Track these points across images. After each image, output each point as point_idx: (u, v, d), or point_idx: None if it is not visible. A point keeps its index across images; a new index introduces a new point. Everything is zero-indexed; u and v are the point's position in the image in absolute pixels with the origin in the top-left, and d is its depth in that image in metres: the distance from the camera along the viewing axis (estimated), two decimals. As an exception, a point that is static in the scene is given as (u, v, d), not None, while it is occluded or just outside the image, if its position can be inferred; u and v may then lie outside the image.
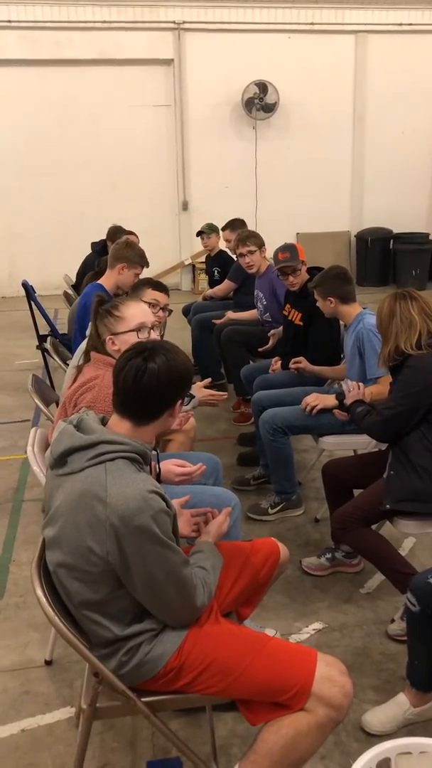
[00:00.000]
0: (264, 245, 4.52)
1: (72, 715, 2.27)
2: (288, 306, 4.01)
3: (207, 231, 5.99)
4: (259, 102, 9.07)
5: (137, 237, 5.56)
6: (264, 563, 2.03)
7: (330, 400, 3.22)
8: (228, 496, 2.51)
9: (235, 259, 4.91)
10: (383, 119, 9.57)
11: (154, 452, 1.84)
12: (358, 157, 9.74)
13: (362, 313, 3.25)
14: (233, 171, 9.40)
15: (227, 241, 5.39)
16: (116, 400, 1.69)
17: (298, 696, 1.60)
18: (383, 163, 9.70)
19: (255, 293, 4.68)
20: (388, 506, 2.53)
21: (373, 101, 9.53)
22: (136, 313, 2.50)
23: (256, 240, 4.47)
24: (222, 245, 5.79)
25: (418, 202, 9.99)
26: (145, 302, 2.81)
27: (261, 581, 2.03)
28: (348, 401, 2.92)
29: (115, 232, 5.59)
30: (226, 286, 5.43)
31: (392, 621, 2.68)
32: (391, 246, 9.62)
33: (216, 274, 5.95)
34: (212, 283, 6.06)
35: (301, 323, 3.81)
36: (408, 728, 2.18)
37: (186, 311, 5.99)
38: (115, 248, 3.95)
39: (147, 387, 1.64)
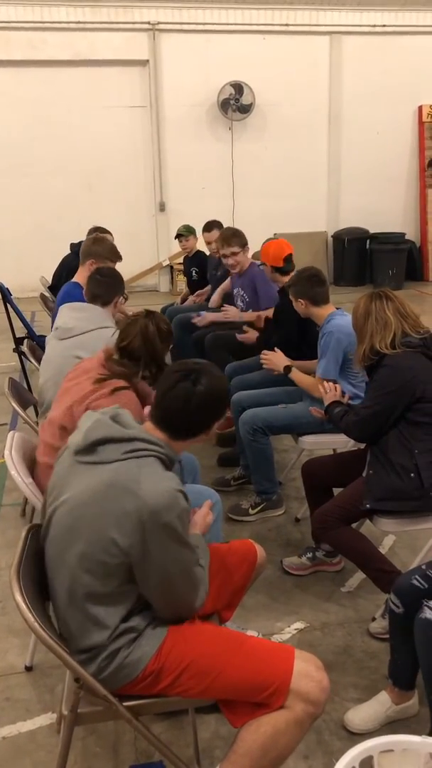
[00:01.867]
0: (247, 243, 4.48)
1: (53, 721, 2.25)
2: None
3: (185, 233, 5.98)
4: (235, 103, 9.08)
5: (112, 236, 5.53)
6: (240, 565, 2.03)
7: (280, 365, 3.43)
8: (209, 494, 2.51)
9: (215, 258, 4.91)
10: (358, 119, 9.64)
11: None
12: (334, 158, 9.79)
13: (333, 314, 3.26)
14: (210, 172, 9.40)
15: (208, 243, 5.37)
16: (157, 414, 1.75)
17: (278, 693, 1.60)
18: (359, 163, 9.76)
19: (236, 290, 4.64)
20: (368, 506, 2.54)
21: (349, 101, 9.59)
22: None
23: (239, 240, 4.41)
24: (201, 246, 5.77)
25: (393, 201, 10.06)
26: None
27: (237, 583, 2.02)
28: (325, 402, 2.92)
29: (94, 232, 5.56)
30: (217, 294, 5.25)
31: (373, 619, 2.69)
32: (367, 246, 9.68)
33: (194, 274, 5.94)
34: (191, 284, 6.05)
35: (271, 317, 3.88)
36: (390, 726, 2.19)
37: (164, 312, 5.98)
38: (84, 245, 3.93)
39: (195, 410, 1.73)
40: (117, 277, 3.27)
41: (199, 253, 5.93)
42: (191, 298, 5.81)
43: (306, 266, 3.46)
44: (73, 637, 1.66)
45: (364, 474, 2.66)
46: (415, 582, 2.07)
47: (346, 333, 3.17)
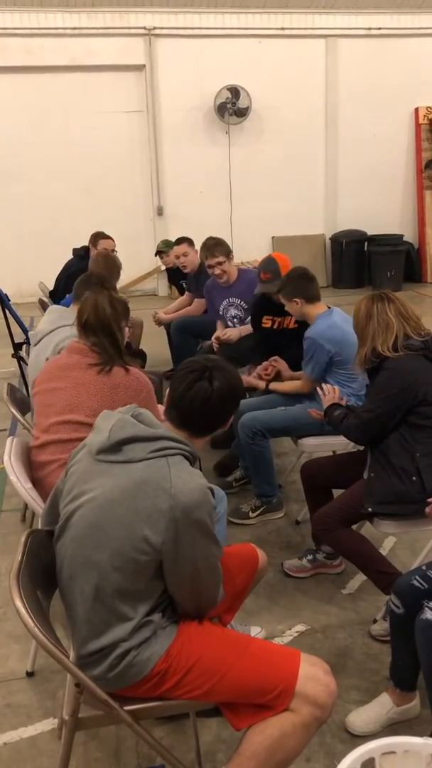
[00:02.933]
0: (231, 253, 4.39)
1: (55, 726, 2.25)
2: (269, 318, 3.85)
3: (165, 249, 6.00)
4: (232, 107, 9.10)
5: (113, 241, 5.55)
6: (241, 569, 2.03)
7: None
8: (216, 490, 2.51)
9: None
10: (355, 122, 9.65)
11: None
12: (332, 160, 9.80)
13: (320, 315, 3.28)
14: (207, 176, 9.41)
15: (177, 257, 5.36)
16: (175, 414, 1.77)
17: (282, 696, 1.60)
18: (356, 165, 9.78)
19: (225, 302, 4.49)
20: (369, 509, 2.54)
21: (345, 104, 9.61)
22: None
23: (223, 248, 4.32)
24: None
25: (391, 203, 10.08)
26: None
27: (238, 587, 2.02)
28: (324, 405, 2.93)
29: (96, 237, 5.59)
30: (197, 306, 5.26)
31: (374, 621, 2.69)
32: (365, 248, 9.69)
33: (184, 285, 5.93)
34: (183, 292, 6.06)
35: (296, 325, 3.71)
36: (392, 727, 2.18)
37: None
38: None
39: (215, 408, 1.76)
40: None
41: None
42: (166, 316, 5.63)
43: (293, 267, 3.46)
44: (91, 636, 1.65)
45: (364, 476, 2.66)
46: (415, 582, 2.07)
47: (328, 338, 3.20)
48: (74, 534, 1.67)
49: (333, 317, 3.26)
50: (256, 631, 2.58)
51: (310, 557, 3.04)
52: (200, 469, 1.82)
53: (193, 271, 5.37)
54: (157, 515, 1.57)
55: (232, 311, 4.52)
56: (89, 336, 2.51)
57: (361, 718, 2.18)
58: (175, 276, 6.10)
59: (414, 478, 2.50)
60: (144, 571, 1.62)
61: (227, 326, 4.51)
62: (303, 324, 3.49)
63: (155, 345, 6.23)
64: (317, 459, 3.08)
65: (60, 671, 2.34)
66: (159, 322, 5.61)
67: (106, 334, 2.49)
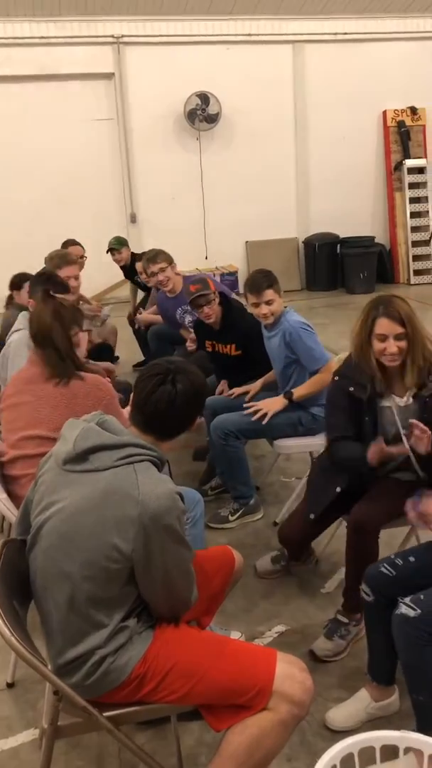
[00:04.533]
0: (173, 261, 4.47)
1: (36, 737, 2.24)
2: (210, 342, 3.87)
3: (117, 246, 6.04)
4: (202, 113, 9.14)
5: (83, 247, 5.57)
6: (218, 571, 2.04)
7: (278, 403, 3.27)
8: (191, 494, 2.53)
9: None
10: (324, 126, 9.73)
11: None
12: (302, 164, 9.88)
13: (285, 311, 3.34)
14: (179, 182, 9.43)
15: (140, 273, 5.41)
16: (141, 419, 1.76)
17: (260, 695, 1.61)
18: (327, 169, 9.86)
19: (179, 311, 4.53)
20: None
21: (314, 109, 9.69)
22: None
23: (164, 256, 4.44)
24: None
25: (362, 205, 10.17)
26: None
27: (216, 589, 2.03)
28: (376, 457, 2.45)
29: (66, 244, 5.59)
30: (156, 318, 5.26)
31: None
32: (338, 250, 9.77)
33: (140, 279, 6.00)
34: (147, 290, 6.08)
35: (239, 352, 3.73)
36: (372, 722, 2.21)
37: (132, 322, 5.98)
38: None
39: (179, 410, 1.74)
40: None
41: (135, 261, 5.96)
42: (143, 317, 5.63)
43: (259, 269, 3.43)
44: (67, 645, 1.65)
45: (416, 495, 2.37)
46: (383, 570, 2.11)
47: (304, 322, 3.29)
48: (45, 545, 1.67)
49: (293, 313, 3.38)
50: (236, 636, 2.59)
51: (283, 563, 3.03)
52: (169, 474, 1.83)
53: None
54: (127, 523, 1.57)
55: (188, 318, 4.54)
56: (39, 348, 2.51)
57: (340, 714, 2.20)
58: (132, 273, 6.16)
59: None
60: (116, 579, 1.62)
61: (190, 332, 4.52)
62: (246, 349, 3.67)
63: (131, 352, 6.24)
64: (289, 521, 2.85)
65: (40, 681, 2.33)
66: (142, 324, 5.55)
67: (50, 346, 2.47)
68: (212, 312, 3.68)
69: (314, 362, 3.26)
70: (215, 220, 9.56)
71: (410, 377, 2.40)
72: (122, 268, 6.39)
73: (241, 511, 3.53)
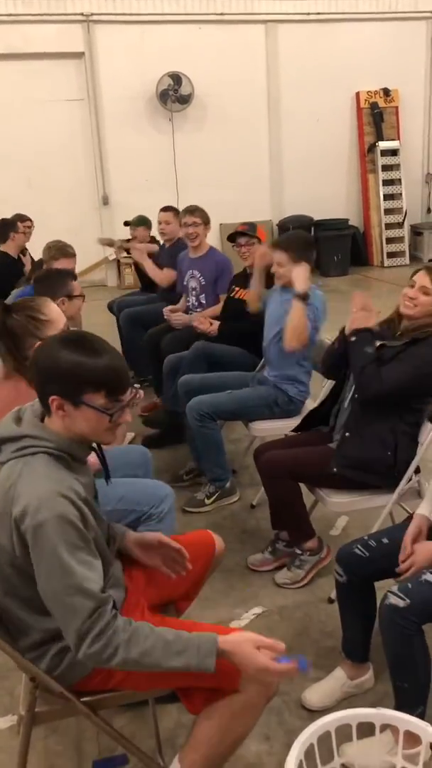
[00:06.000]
0: (209, 223, 4.58)
1: (14, 723, 2.24)
2: (237, 287, 4.10)
3: (134, 223, 5.97)
4: (174, 93, 9.03)
5: (31, 222, 5.57)
6: (198, 557, 2.03)
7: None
8: (161, 488, 2.51)
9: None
10: (297, 107, 9.68)
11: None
12: (275, 146, 9.83)
13: (312, 286, 3.27)
14: (152, 164, 9.33)
15: (159, 223, 5.35)
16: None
17: (231, 676, 1.61)
18: (300, 150, 9.82)
19: (189, 273, 4.61)
20: (334, 470, 2.58)
21: (287, 90, 9.62)
22: (57, 311, 2.46)
23: (202, 213, 4.54)
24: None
25: (335, 188, 10.16)
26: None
27: (195, 574, 2.02)
28: (353, 325, 2.66)
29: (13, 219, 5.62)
30: (167, 275, 5.15)
31: (329, 600, 2.74)
32: (312, 233, 9.76)
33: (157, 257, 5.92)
34: (141, 277, 6.01)
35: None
36: (348, 701, 2.24)
37: (111, 307, 5.94)
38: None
39: (36, 368, 1.58)
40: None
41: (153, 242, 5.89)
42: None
43: (299, 230, 3.52)
44: (17, 634, 1.64)
45: (336, 437, 2.71)
46: (356, 551, 2.14)
47: (322, 307, 3.23)
48: None
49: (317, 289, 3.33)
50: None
51: (270, 549, 3.06)
52: (102, 462, 1.75)
53: (170, 242, 5.34)
54: (7, 520, 1.50)
55: (192, 283, 4.61)
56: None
57: (316, 694, 2.23)
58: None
59: (389, 452, 2.56)
60: (26, 579, 1.54)
61: (188, 299, 4.67)
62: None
63: (105, 337, 6.17)
64: (270, 443, 3.09)
65: (16, 668, 2.32)
66: (137, 251, 5.39)
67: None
68: (250, 254, 3.89)
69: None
70: (189, 202, 9.34)
71: (408, 326, 2.59)
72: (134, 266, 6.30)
73: (217, 494, 3.54)
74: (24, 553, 1.50)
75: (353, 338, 2.61)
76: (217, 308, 4.38)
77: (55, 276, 3.21)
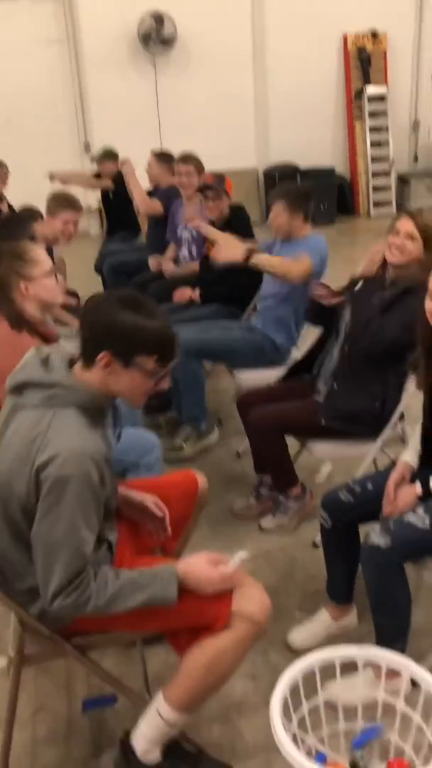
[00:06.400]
0: (203, 172, 4.44)
1: (4, 664, 2.27)
2: (210, 243, 3.95)
3: (99, 157, 5.84)
4: (156, 36, 8.74)
5: (8, 169, 5.66)
6: (182, 497, 2.05)
7: (237, 249, 3.16)
8: (149, 438, 2.52)
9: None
10: (283, 51, 9.40)
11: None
12: (261, 91, 9.58)
13: (314, 234, 3.28)
14: (135, 109, 9.07)
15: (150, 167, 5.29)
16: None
17: (220, 615, 1.64)
18: (286, 96, 9.57)
19: (181, 225, 4.53)
20: (323, 421, 2.59)
21: (273, 33, 9.33)
22: (43, 254, 2.43)
23: (196, 161, 4.46)
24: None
25: (322, 135, 9.96)
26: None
27: (180, 513, 2.04)
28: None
29: None
30: (154, 204, 4.96)
31: (314, 545, 2.78)
32: (298, 181, 9.61)
33: (110, 195, 5.95)
34: (106, 205, 6.06)
35: None
36: (333, 641, 2.28)
37: (99, 267, 5.75)
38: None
39: (90, 322, 1.59)
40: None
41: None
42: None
43: (301, 183, 3.46)
44: (14, 576, 1.66)
45: (320, 386, 2.73)
46: (341, 496, 2.17)
47: (324, 253, 3.20)
48: None
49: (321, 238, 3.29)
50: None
51: (254, 494, 3.09)
52: (114, 420, 1.74)
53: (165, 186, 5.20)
54: (29, 465, 1.50)
55: (186, 234, 4.55)
56: None
57: (301, 635, 2.28)
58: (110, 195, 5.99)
59: (377, 403, 2.57)
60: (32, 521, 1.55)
61: (180, 250, 4.60)
62: (231, 267, 3.53)
63: (87, 288, 6.09)
64: (252, 391, 3.09)
65: (7, 610, 2.35)
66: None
67: None
68: (216, 208, 3.80)
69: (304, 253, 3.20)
70: (172, 148, 9.21)
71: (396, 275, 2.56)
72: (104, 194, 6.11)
73: (194, 436, 3.54)
74: (34, 498, 1.51)
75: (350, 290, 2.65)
76: (194, 266, 4.31)
77: (16, 220, 3.19)
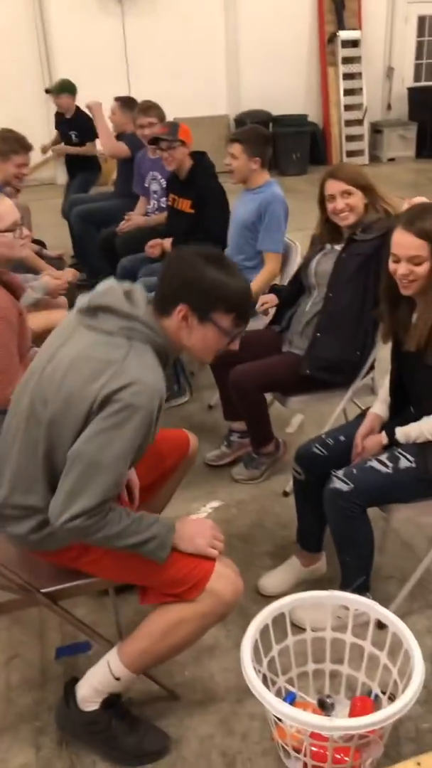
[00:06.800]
0: (165, 119, 4.27)
1: (-24, 615, 2.28)
2: (173, 195, 3.84)
3: (55, 91, 5.63)
4: (124, -28, 8.41)
5: None
6: (172, 452, 2.05)
7: None
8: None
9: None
10: (256, -7, 9.13)
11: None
12: (232, 36, 9.31)
13: (271, 181, 3.25)
14: (102, 51, 8.77)
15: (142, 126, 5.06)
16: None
17: (194, 589, 1.64)
18: (258, 42, 9.33)
19: (150, 175, 4.43)
20: (307, 371, 2.60)
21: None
22: (7, 209, 2.35)
23: (157, 111, 4.27)
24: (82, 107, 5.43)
25: (295, 81, 9.77)
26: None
27: (166, 467, 2.05)
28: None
29: None
30: (120, 147, 4.86)
31: (284, 494, 2.82)
32: (270, 129, 9.43)
33: (74, 138, 5.67)
34: (70, 166, 5.83)
35: (192, 210, 3.67)
36: (302, 587, 2.33)
37: (65, 213, 5.62)
38: None
39: (173, 275, 1.61)
40: None
41: (81, 114, 5.58)
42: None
43: (257, 126, 3.47)
44: (18, 488, 1.64)
45: (290, 337, 2.76)
46: (315, 450, 2.19)
47: (282, 201, 3.20)
48: (34, 386, 1.61)
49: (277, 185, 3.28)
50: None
51: (225, 443, 3.10)
52: (175, 374, 1.73)
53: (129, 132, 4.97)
54: (92, 391, 1.49)
55: (154, 186, 4.45)
56: None
57: (272, 580, 2.32)
58: (68, 126, 5.82)
59: (358, 352, 2.60)
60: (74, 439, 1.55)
61: (149, 203, 4.50)
62: (199, 209, 3.58)
63: (55, 237, 5.98)
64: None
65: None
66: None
67: None
68: (172, 159, 3.62)
69: (269, 243, 3.24)
70: (141, 94, 8.89)
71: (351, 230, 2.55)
72: (60, 120, 5.89)
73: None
74: (86, 421, 1.51)
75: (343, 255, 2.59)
76: (161, 216, 4.22)
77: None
